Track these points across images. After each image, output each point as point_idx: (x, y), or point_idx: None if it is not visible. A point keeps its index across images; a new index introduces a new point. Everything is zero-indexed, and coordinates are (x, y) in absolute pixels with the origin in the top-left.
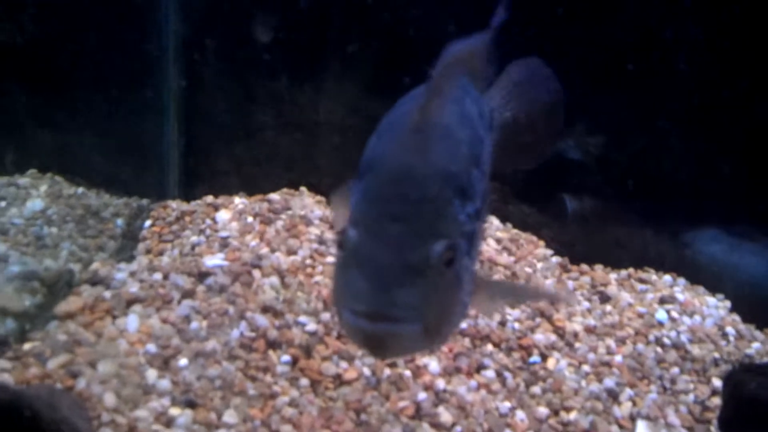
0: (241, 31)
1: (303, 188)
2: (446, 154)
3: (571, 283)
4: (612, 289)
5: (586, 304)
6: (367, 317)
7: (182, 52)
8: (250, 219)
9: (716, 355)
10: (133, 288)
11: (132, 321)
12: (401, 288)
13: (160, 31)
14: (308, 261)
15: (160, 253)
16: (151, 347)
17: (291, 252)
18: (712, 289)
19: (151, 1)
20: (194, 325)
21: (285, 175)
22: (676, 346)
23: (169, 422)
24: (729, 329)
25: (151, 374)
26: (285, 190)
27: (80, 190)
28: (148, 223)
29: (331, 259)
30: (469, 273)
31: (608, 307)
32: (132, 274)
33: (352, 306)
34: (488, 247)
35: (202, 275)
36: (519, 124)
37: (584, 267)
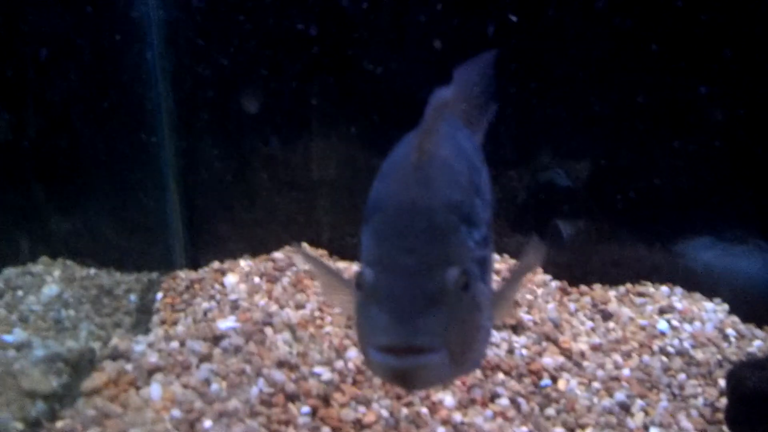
0: (229, 103)
1: (304, 244)
2: (448, 185)
3: (572, 305)
4: (613, 306)
5: (590, 323)
6: (392, 352)
7: (177, 129)
8: (257, 279)
9: (720, 357)
10: (153, 358)
11: (155, 389)
12: (422, 317)
13: (155, 112)
14: (317, 313)
15: (175, 323)
16: (176, 413)
17: (299, 306)
18: (709, 295)
19: (144, 86)
20: (214, 387)
21: (285, 233)
22: (681, 353)
23: None
24: (729, 331)
25: None
26: (287, 248)
27: (92, 271)
28: (159, 295)
29: (338, 310)
30: (486, 298)
31: (611, 324)
32: (150, 345)
33: (376, 343)
34: None
35: (216, 338)
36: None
37: (583, 288)
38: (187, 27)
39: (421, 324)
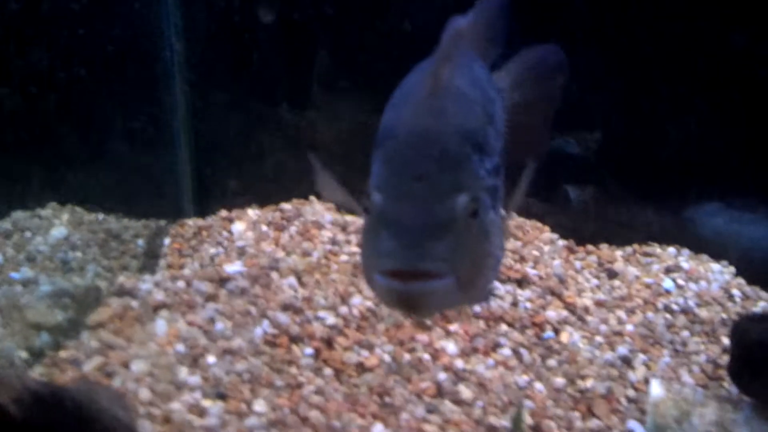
0: (242, 61)
1: (312, 197)
2: (461, 113)
3: (578, 263)
4: (619, 265)
5: (595, 281)
6: (398, 277)
7: (189, 85)
8: (264, 228)
9: (724, 315)
10: (159, 296)
11: (160, 325)
12: (430, 243)
13: (167, 67)
14: (323, 261)
15: (182, 267)
16: (180, 347)
17: (306, 254)
18: (716, 258)
19: (157, 41)
20: (219, 326)
21: (294, 189)
22: (685, 311)
23: (202, 413)
24: (735, 291)
25: (182, 371)
26: (295, 200)
27: (100, 216)
28: (167, 240)
29: (345, 257)
30: (497, 227)
31: (616, 282)
32: (156, 284)
33: (382, 267)
34: None
35: (223, 281)
36: (526, 110)
37: (590, 247)
38: None
39: (429, 249)
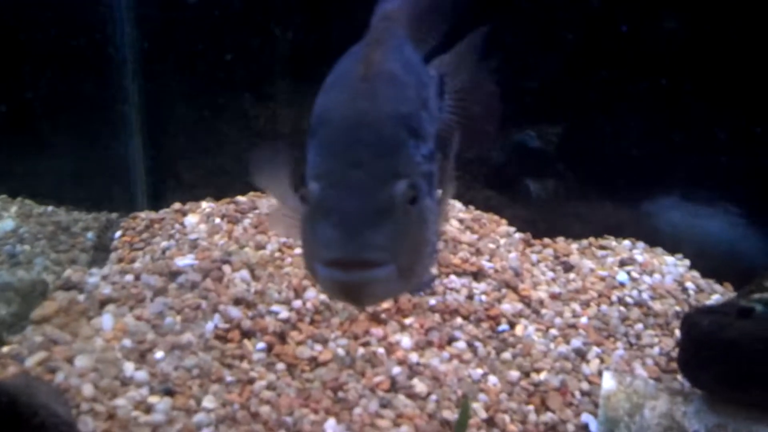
0: (199, 50)
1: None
2: (395, 97)
3: (534, 256)
4: (574, 258)
5: (551, 273)
6: (340, 266)
7: (143, 74)
8: (218, 220)
9: (678, 308)
10: (106, 290)
11: (107, 320)
12: (370, 231)
13: (120, 55)
14: (277, 254)
15: (132, 261)
16: (127, 342)
17: (260, 247)
18: (671, 251)
19: (109, 28)
20: (168, 320)
21: (250, 181)
22: (639, 303)
23: (149, 409)
24: (689, 284)
25: (128, 367)
26: (252, 193)
27: (50, 208)
28: (118, 234)
29: (299, 250)
30: (433, 213)
31: (572, 275)
32: (104, 277)
33: (324, 257)
34: (451, 227)
35: (173, 274)
36: (467, 96)
37: (546, 240)
38: None
39: (369, 238)
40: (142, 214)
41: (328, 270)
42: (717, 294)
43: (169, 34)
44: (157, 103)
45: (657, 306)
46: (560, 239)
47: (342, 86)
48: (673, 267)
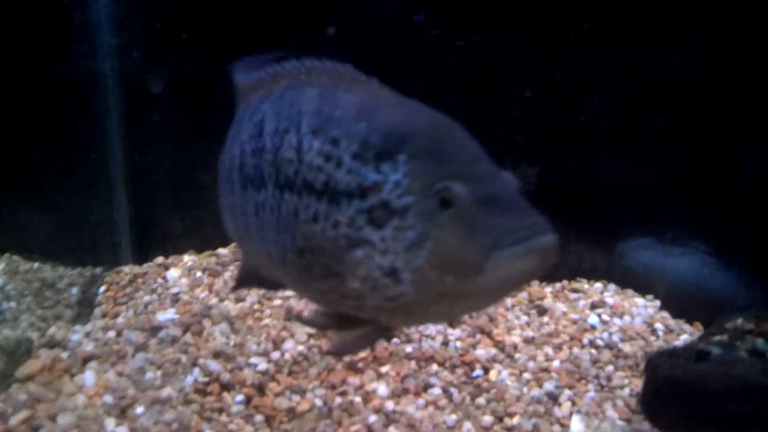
0: (181, 104)
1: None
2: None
3: (509, 301)
4: (548, 302)
5: (525, 318)
6: (544, 235)
7: (127, 127)
8: (199, 274)
9: (647, 349)
10: (89, 347)
11: (89, 377)
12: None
13: (104, 111)
14: (256, 306)
15: (116, 315)
16: (109, 398)
17: (239, 300)
18: (643, 292)
19: (93, 78)
20: (149, 375)
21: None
22: (609, 345)
23: None
24: (658, 325)
25: (110, 423)
26: (234, 245)
27: (36, 265)
28: (102, 288)
29: (278, 302)
30: None
31: (545, 319)
32: (87, 334)
33: (538, 231)
34: None
35: (154, 329)
36: None
37: None
38: (136, 28)
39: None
40: (126, 269)
41: (525, 245)
42: (686, 334)
43: (153, 81)
44: (141, 158)
45: (627, 348)
46: (534, 283)
47: (388, 105)
48: (643, 308)
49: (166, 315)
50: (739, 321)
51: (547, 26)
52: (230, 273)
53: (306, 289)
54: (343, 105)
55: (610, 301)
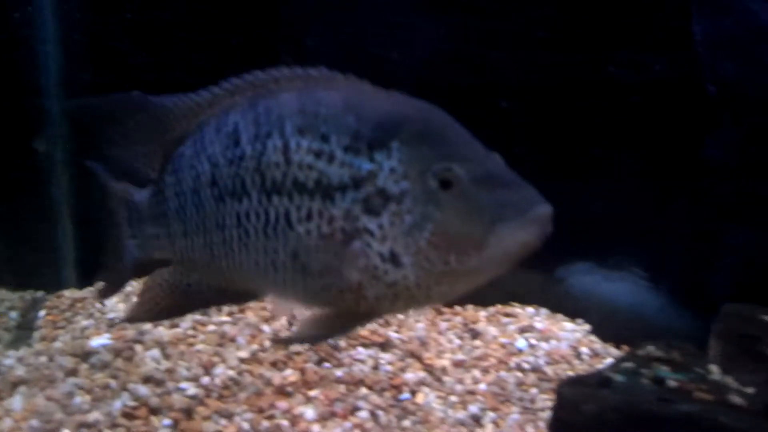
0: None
1: None
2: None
3: (444, 324)
4: (481, 326)
5: (458, 341)
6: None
7: (71, 150)
8: (135, 299)
9: (570, 373)
10: (20, 371)
11: (17, 401)
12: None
13: (48, 133)
14: (190, 332)
15: (54, 340)
16: (35, 422)
17: (173, 325)
18: (577, 316)
19: (39, 109)
20: (77, 399)
21: None
22: (535, 369)
23: None
24: (584, 349)
25: None
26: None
27: None
28: (42, 313)
29: (212, 327)
30: None
31: (477, 342)
32: (19, 359)
33: (534, 202)
34: None
35: (86, 354)
36: None
37: (458, 308)
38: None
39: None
40: (67, 293)
41: (524, 216)
42: (611, 357)
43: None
44: (86, 181)
45: (551, 371)
46: (470, 307)
47: (374, 97)
48: (570, 333)
49: (100, 340)
50: (651, 348)
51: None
52: None
53: (299, 293)
54: (327, 102)
55: (539, 325)
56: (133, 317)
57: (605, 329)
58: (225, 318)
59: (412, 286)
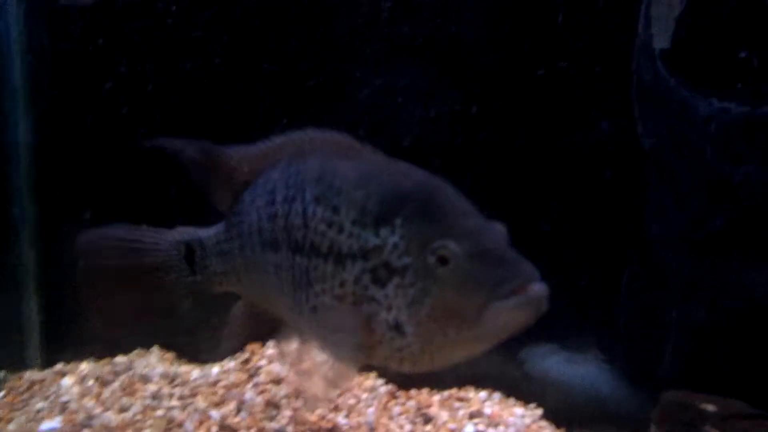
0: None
1: (155, 347)
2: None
3: (397, 408)
4: (434, 410)
5: (409, 426)
6: (537, 284)
7: (35, 227)
8: (90, 382)
9: None
10: None
11: None
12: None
13: (12, 213)
14: (138, 417)
15: (9, 422)
16: None
17: (123, 410)
18: (532, 400)
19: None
20: None
21: (140, 336)
22: None
23: None
24: None
25: None
26: (137, 351)
27: None
28: (2, 394)
29: (161, 412)
30: None
31: (428, 428)
32: None
33: (530, 280)
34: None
35: None
36: None
37: (413, 392)
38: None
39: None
40: (27, 374)
41: (519, 297)
42: None
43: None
44: (54, 257)
45: None
46: (425, 390)
47: (382, 172)
48: (519, 418)
49: (51, 424)
50: None
51: None
52: (119, 382)
53: (322, 342)
54: (341, 174)
55: (488, 410)
56: (225, 350)
57: (560, 413)
58: (175, 403)
59: (416, 352)
